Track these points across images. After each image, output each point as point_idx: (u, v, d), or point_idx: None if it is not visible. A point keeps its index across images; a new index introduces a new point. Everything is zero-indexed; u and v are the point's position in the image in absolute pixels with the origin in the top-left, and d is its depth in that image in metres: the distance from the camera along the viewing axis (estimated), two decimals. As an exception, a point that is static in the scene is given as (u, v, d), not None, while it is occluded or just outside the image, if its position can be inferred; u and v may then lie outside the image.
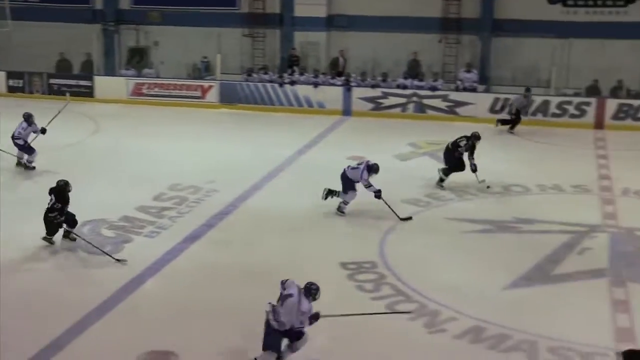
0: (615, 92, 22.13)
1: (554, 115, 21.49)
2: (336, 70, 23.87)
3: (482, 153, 18.12)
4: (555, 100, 21.57)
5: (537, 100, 21.53)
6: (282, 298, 8.27)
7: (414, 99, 22.31)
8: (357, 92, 22.65)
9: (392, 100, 22.43)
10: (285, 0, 25.44)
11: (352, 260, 11.37)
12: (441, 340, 9.23)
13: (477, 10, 23.86)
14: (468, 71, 22.76)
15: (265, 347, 8.22)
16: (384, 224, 13.06)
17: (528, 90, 21.24)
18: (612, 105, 21.30)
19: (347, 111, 22.64)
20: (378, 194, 13.29)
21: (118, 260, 11.16)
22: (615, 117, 21.18)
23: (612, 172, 16.78)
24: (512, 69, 23.62)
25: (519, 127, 20.69)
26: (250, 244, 12.07)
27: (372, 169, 13.28)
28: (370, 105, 22.54)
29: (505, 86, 22.97)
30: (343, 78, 23.21)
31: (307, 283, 8.41)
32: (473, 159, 15.11)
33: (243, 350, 8.74)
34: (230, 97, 23.47)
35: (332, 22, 25.12)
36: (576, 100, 21.59)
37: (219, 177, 15.48)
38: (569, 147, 19.14)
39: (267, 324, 8.21)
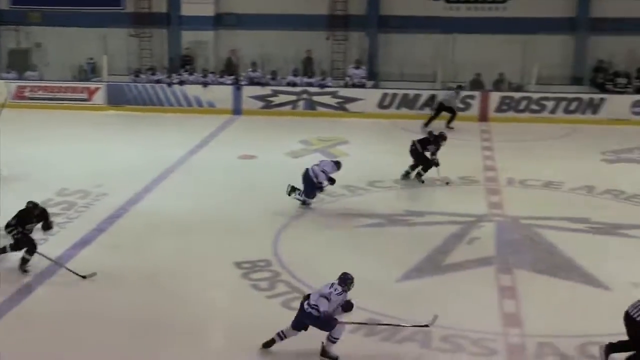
0: (497, 86, 22.84)
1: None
2: (231, 69, 23.70)
3: (373, 147, 18.49)
4: (441, 95, 22.08)
5: (425, 94, 22.02)
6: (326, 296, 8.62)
7: (304, 96, 22.45)
8: (247, 91, 22.62)
9: (283, 98, 22.50)
10: (172, -2, 25.13)
11: (245, 259, 11.35)
12: (337, 335, 9.31)
13: (364, 7, 24.19)
14: (357, 67, 23.05)
15: (294, 327, 8.74)
16: (277, 221, 13.09)
17: (460, 87, 21.79)
18: (495, 98, 21.99)
19: (237, 110, 22.57)
20: (332, 183, 13.88)
21: (84, 276, 10.63)
22: (499, 109, 21.88)
23: (497, 162, 17.32)
24: (399, 65, 24.03)
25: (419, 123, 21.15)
26: (142, 247, 11.88)
27: (337, 167, 13.93)
28: (261, 104, 22.55)
29: (393, 81, 23.40)
30: (233, 77, 23.11)
31: (343, 273, 8.87)
32: (436, 156, 15.44)
33: (131, 356, 8.62)
34: (117, 99, 23.04)
35: (221, 21, 24.99)
36: (461, 94, 22.17)
37: (109, 180, 15.18)
38: (456, 140, 19.52)
39: (302, 307, 8.66)
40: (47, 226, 11.12)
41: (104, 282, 10.62)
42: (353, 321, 9.06)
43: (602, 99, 21.58)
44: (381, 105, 22.18)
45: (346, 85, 22.77)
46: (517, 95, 22.03)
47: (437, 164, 15.45)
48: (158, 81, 23.14)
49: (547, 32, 22.88)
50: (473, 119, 21.73)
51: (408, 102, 22.11)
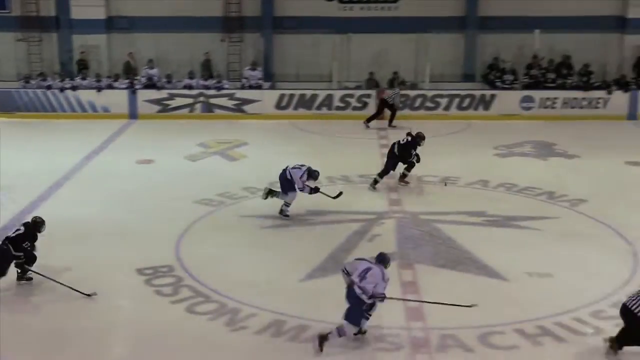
0: (391, 84, 23.19)
1: (338, 108, 22.24)
2: (129, 73, 23.22)
3: (272, 148, 18.51)
4: (338, 94, 22.32)
5: (321, 94, 22.20)
6: (361, 275, 8.91)
7: (201, 99, 22.27)
8: (143, 95, 22.27)
9: (179, 102, 22.26)
10: (61, 2, 24.41)
11: (147, 265, 11.21)
12: (242, 338, 9.31)
13: (258, 9, 24.16)
14: (253, 69, 23.01)
15: (350, 320, 8.94)
16: (178, 225, 12.96)
17: (403, 83, 22.00)
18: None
19: (133, 114, 22.21)
20: (315, 191, 13.49)
21: (88, 294, 10.24)
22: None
23: (394, 160, 17.58)
24: (295, 65, 24.12)
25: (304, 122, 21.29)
26: (40, 257, 11.53)
27: (312, 175, 13.34)
28: (157, 108, 22.25)
29: (289, 82, 23.47)
30: (127, 81, 22.71)
31: (380, 253, 9.28)
32: (415, 155, 15.28)
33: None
34: (7, 106, 22.29)
35: (112, 24, 24.47)
36: (358, 93, 22.46)
37: (1, 190, 14.70)
38: (354, 139, 19.85)
39: (350, 294, 8.90)
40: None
41: (3, 291, 10.30)
42: (393, 297, 9.35)
43: (493, 95, 22.21)
44: (279, 106, 22.24)
45: (243, 87, 22.71)
46: (412, 93, 22.43)
47: (417, 161, 15.31)
48: (49, 87, 22.52)
49: (438, 30, 23.36)
50: (370, 117, 22.01)
51: (305, 103, 22.24)
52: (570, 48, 22.96)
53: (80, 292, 10.22)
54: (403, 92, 21.87)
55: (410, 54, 23.63)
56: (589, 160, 17.57)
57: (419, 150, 15.38)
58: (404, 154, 15.29)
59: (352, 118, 21.77)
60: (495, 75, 22.82)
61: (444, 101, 22.21)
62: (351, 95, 22.35)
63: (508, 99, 22.17)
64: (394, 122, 21.13)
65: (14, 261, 10.44)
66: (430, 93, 22.33)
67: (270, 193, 13.64)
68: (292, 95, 22.20)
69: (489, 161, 17.61)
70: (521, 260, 11.57)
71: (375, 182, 15.30)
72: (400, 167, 15.50)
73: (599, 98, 22.09)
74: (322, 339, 8.92)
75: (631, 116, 22.04)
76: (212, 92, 22.30)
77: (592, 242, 12.47)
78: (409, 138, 15.45)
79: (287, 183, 13.46)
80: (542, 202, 14.57)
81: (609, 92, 22.03)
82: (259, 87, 22.76)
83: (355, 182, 15.83)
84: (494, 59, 23.25)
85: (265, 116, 21.96)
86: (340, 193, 13.80)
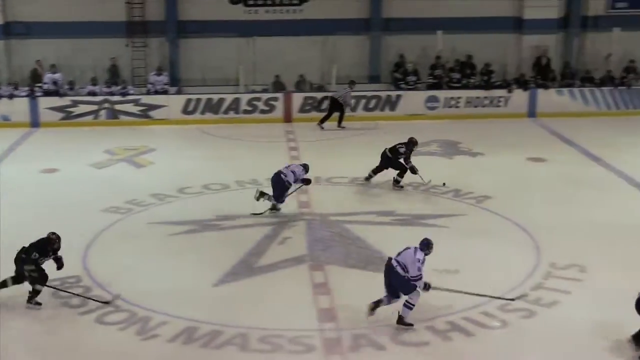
0: (299, 86, 23.28)
1: (245, 112, 22.16)
2: (37, 80, 22.51)
3: (180, 153, 18.36)
4: (245, 98, 22.24)
5: (228, 98, 22.11)
6: (398, 253, 9.77)
7: (106, 105, 21.85)
8: (45, 102, 21.68)
9: (83, 108, 21.77)
10: (-49, 7, 23.53)
11: (54, 276, 10.89)
12: (154, 347, 9.21)
13: (162, 13, 23.85)
14: (158, 74, 22.70)
15: (406, 292, 9.61)
16: (85, 235, 12.71)
17: (352, 82, 21.91)
18: (298, 99, 22.39)
19: (35, 123, 21.60)
20: (307, 182, 14.06)
21: (106, 302, 10.24)
22: (302, 109, 22.31)
23: (303, 162, 17.58)
24: (201, 70, 23.91)
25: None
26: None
27: (305, 167, 14.05)
28: (60, 115, 21.71)
29: (196, 87, 23.26)
30: (27, 88, 22.06)
31: (425, 239, 9.91)
32: (410, 162, 15.38)
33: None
34: None
35: (9, 30, 23.75)
36: (265, 96, 22.44)
37: None
38: (262, 142, 19.83)
39: (391, 273, 9.63)
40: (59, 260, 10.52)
41: None
42: (441, 287, 9.98)
43: (398, 96, 22.53)
44: (185, 111, 22.02)
45: (148, 93, 22.39)
46: (318, 95, 22.55)
47: (414, 171, 15.37)
48: (-57, 97, 21.65)
49: (343, 32, 23.56)
50: (278, 120, 22.02)
51: (212, 107, 22.08)
52: (471, 48, 23.45)
53: (98, 301, 10.24)
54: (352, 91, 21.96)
55: (316, 56, 23.75)
56: (492, 157, 18.01)
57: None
58: (396, 157, 15.47)
59: (259, 121, 21.74)
60: (399, 77, 23.10)
61: (351, 102, 22.39)
62: (258, 99, 22.31)
63: (413, 99, 22.52)
64: (343, 123, 21.34)
65: (29, 278, 10.21)
66: (336, 95, 22.47)
67: (262, 195, 13.83)
68: (198, 100, 22.02)
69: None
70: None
71: (369, 177, 15.68)
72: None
73: (500, 97, 22.68)
74: (401, 321, 9.61)
75: (531, 114, 22.69)
76: (117, 98, 21.91)
77: (498, 237, 12.80)
78: (403, 145, 15.55)
79: (279, 184, 13.74)
80: (448, 199, 14.88)
81: (510, 91, 22.63)
82: (165, 92, 22.48)
83: (264, 185, 15.78)
84: (399, 57, 23.48)
85: (172, 121, 21.72)
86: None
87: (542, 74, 23.19)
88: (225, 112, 22.09)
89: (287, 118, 22.21)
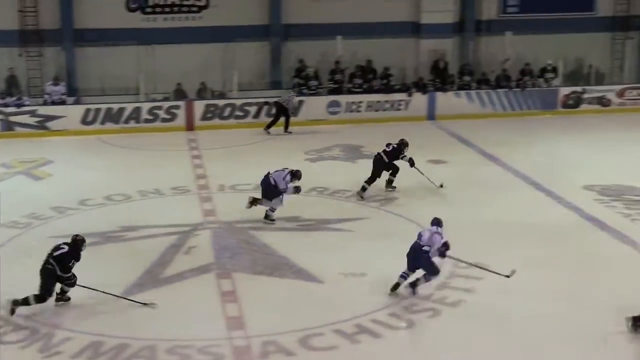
0: (200, 94, 23.11)
1: (147, 121, 21.85)
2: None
3: (80, 165, 17.98)
4: (146, 107, 21.94)
5: (128, 108, 21.76)
6: (419, 235, 10.81)
7: (0, 117, 21.20)
8: None
9: (-25, 121, 21.10)
10: None
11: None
12: (58, 364, 8.99)
13: (57, 21, 23.28)
14: (55, 84, 22.13)
15: (432, 272, 10.67)
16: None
17: (295, 86, 22.12)
18: (199, 106, 22.22)
19: None
20: (297, 191, 13.99)
21: (145, 304, 10.36)
22: (204, 117, 22.16)
23: (207, 170, 17.56)
24: (100, 79, 23.45)
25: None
26: None
27: (296, 175, 13.83)
28: (-49, 128, 20.96)
29: (94, 96, 22.78)
30: None
31: (435, 218, 11.13)
32: (405, 156, 15.50)
33: None
34: None
35: None
36: (166, 104, 22.18)
37: None
38: (165, 151, 19.61)
39: (418, 249, 10.59)
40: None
41: None
42: (459, 258, 11.05)
43: (300, 102, 22.63)
44: (84, 121, 21.55)
45: (45, 103, 21.82)
46: (220, 102, 22.45)
47: (411, 163, 15.57)
48: None
49: (244, 39, 23.53)
50: (180, 128, 21.80)
51: (112, 116, 21.69)
52: (371, 53, 23.78)
53: (139, 302, 10.40)
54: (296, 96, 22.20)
55: (217, 63, 23.63)
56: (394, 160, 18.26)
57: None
58: (392, 160, 15.46)
59: (161, 130, 21.47)
60: (301, 82, 23.18)
61: (253, 109, 22.37)
62: (159, 107, 22.03)
63: (315, 105, 22.68)
64: (290, 129, 21.42)
65: (64, 282, 10.25)
66: (239, 102, 22.44)
67: (254, 202, 13.76)
68: (98, 110, 21.61)
69: (300, 166, 17.82)
70: (336, 262, 11.87)
71: (364, 189, 15.35)
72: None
73: (401, 100, 23.07)
74: (413, 285, 10.68)
75: (430, 117, 23.17)
76: (11, 109, 21.26)
77: (402, 239, 12.90)
78: (394, 145, 15.58)
79: (270, 189, 13.64)
80: (352, 203, 15.04)
81: (409, 95, 23.04)
82: (62, 102, 21.95)
83: (168, 194, 15.65)
84: (299, 62, 23.56)
85: (71, 132, 21.22)
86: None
87: (440, 78, 23.71)
88: (126, 121, 21.74)
89: (189, 126, 22.01)
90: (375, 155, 15.64)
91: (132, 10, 23.66)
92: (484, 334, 9.73)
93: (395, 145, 15.62)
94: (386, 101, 23.02)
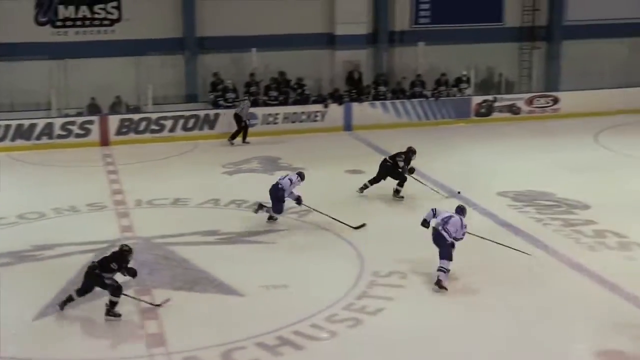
0: (114, 108, 22.76)
1: (60, 136, 21.38)
2: None
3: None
4: (58, 122, 21.49)
5: (40, 123, 21.26)
6: (444, 221, 11.42)
7: None
8: None
9: None
10: None
11: None
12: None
13: (-37, 36, 22.66)
14: (-39, 101, 21.53)
15: (446, 257, 11.26)
16: None
17: (250, 95, 22.03)
18: (114, 121, 21.88)
19: None
20: (299, 202, 14.19)
21: (159, 305, 10.66)
22: (119, 132, 21.82)
23: (123, 185, 17.28)
24: (10, 94, 22.86)
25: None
26: None
27: (301, 175, 14.34)
28: None
29: (4, 112, 22.16)
30: None
31: (459, 204, 12.12)
32: (407, 168, 15.82)
33: None
34: None
35: None
36: (79, 120, 21.75)
37: None
38: (79, 167, 19.24)
39: (439, 236, 11.34)
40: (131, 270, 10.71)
41: None
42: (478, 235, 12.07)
43: (217, 115, 22.51)
44: (-3, 137, 21.01)
45: (-48, 120, 21.17)
46: (136, 117, 22.16)
47: (412, 171, 15.89)
48: None
49: (158, 52, 23.30)
50: (94, 144, 21.40)
51: (23, 133, 21.14)
52: (286, 65, 23.85)
53: (151, 304, 10.65)
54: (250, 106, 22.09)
55: (131, 77, 23.33)
56: (313, 171, 18.22)
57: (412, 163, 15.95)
58: (395, 165, 15.79)
59: (75, 146, 21.04)
60: (218, 94, 23.05)
61: (168, 123, 22.16)
62: (73, 123, 21.58)
63: (232, 117, 22.59)
64: (248, 139, 21.53)
65: (109, 289, 10.44)
66: (154, 116, 22.18)
67: (260, 207, 14.17)
68: (8, 126, 21.05)
69: (217, 180, 17.85)
70: (257, 274, 11.83)
71: (365, 187, 15.92)
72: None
73: (317, 112, 23.19)
74: (439, 284, 11.13)
75: (347, 127, 23.36)
76: None
77: (323, 250, 13.08)
78: (403, 153, 15.91)
79: (277, 195, 14.04)
80: (272, 215, 15.01)
81: (326, 106, 23.19)
82: (-30, 119, 21.33)
83: (84, 211, 15.35)
84: (213, 75, 23.42)
85: (-21, 149, 20.64)
86: (363, 224, 14.04)
87: (355, 88, 23.93)
88: (38, 137, 21.23)
89: (104, 141, 21.65)
90: (385, 163, 16.02)
91: (42, 24, 23.18)
92: (406, 341, 9.83)
93: (403, 154, 16.01)
94: (302, 113, 23.11)
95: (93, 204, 15.72)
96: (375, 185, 15.98)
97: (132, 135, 21.82)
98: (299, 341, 9.81)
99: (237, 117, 21.79)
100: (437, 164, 18.66)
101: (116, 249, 10.94)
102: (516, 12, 26.68)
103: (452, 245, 11.36)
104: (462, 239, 11.47)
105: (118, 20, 23.59)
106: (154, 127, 22.12)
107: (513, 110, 24.58)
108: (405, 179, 15.91)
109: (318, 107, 23.23)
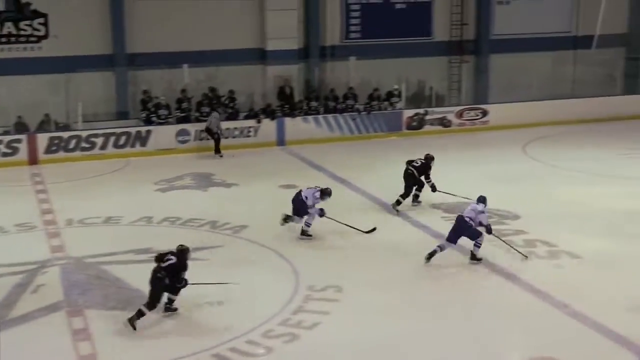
0: (43, 126, 22.34)
1: (-16, 156, 20.92)
2: None
3: None
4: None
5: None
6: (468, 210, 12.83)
7: None
8: None
9: None
10: None
11: None
12: None
13: None
14: None
15: (472, 237, 12.72)
16: None
17: (223, 105, 22.25)
18: (43, 139, 21.46)
19: None
20: (322, 214, 14.18)
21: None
22: (48, 150, 21.41)
23: (53, 205, 16.97)
24: None
25: None
26: None
27: (325, 192, 14.22)
28: None
29: None
30: None
31: (480, 195, 13.11)
32: (430, 180, 16.12)
33: None
34: None
35: None
36: (6, 138, 21.30)
37: None
38: (7, 187, 18.79)
39: (462, 220, 12.68)
40: None
41: None
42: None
43: (148, 131, 22.28)
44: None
45: None
46: (65, 134, 21.78)
47: (433, 189, 16.13)
48: None
49: (87, 69, 22.96)
50: (22, 163, 20.94)
51: (-53, 153, 20.63)
52: (218, 80, 23.80)
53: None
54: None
55: (60, 94, 22.92)
56: (246, 187, 18.33)
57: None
58: (421, 174, 16.06)
59: (2, 165, 20.53)
60: (149, 111, 22.82)
61: (99, 140, 21.85)
62: (-1, 142, 21.18)
63: (164, 134, 22.40)
64: (220, 152, 21.70)
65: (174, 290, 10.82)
66: (84, 133, 21.83)
67: (287, 219, 14.34)
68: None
69: (150, 197, 17.66)
70: (191, 292, 11.69)
71: (398, 203, 15.95)
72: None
73: (250, 127, 23.15)
74: (474, 257, 12.79)
75: (280, 142, 23.37)
76: None
77: (257, 266, 13.04)
78: (423, 160, 16.16)
79: (302, 205, 14.14)
80: (206, 232, 14.92)
81: (258, 121, 23.17)
82: None
83: (12, 232, 15.02)
84: (143, 93, 23.20)
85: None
86: (374, 229, 14.57)
87: (288, 103, 23.98)
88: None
89: (33, 160, 21.22)
90: (407, 171, 16.08)
91: (-36, 42, 22.66)
92: (342, 356, 9.87)
93: (423, 161, 16.19)
94: (235, 128, 23.04)
95: (22, 224, 15.39)
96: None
97: (61, 154, 21.43)
98: (235, 358, 9.77)
99: (209, 131, 21.98)
100: (369, 177, 18.81)
101: (173, 252, 11.04)
102: (445, 26, 27.13)
103: (475, 229, 12.69)
104: (483, 224, 12.75)
105: (45, 36, 23.18)
106: (84, 144, 21.77)
107: (444, 123, 24.94)
108: (423, 185, 16.26)
109: (251, 122, 23.20)
